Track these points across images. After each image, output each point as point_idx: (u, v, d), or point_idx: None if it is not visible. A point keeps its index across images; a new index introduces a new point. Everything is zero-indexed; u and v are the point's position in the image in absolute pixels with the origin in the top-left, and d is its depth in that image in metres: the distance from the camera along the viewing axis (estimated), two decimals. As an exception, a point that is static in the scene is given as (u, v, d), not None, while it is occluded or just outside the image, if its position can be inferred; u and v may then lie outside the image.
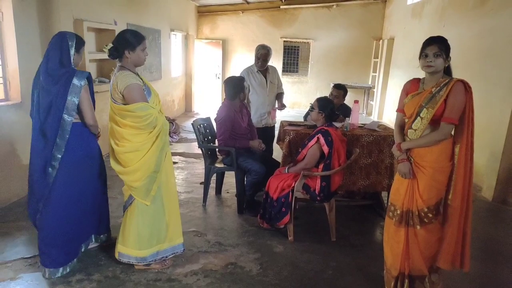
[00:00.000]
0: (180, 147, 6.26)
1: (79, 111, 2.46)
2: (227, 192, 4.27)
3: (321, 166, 3.12)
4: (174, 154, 5.78)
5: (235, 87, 3.71)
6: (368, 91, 10.17)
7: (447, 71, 2.26)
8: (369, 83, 10.29)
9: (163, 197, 2.60)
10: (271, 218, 3.24)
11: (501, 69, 4.39)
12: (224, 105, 3.75)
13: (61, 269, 2.56)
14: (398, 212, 2.33)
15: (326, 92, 10.38)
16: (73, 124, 2.44)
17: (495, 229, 3.70)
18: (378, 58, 9.79)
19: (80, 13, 4.66)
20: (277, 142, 4.21)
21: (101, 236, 2.93)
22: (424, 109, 2.21)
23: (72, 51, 2.43)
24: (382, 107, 9.55)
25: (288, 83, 10.71)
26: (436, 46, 2.16)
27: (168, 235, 2.68)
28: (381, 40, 9.78)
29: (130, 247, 2.60)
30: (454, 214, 2.25)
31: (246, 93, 3.80)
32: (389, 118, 9.10)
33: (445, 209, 2.30)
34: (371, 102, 10.10)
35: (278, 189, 3.17)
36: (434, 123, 2.21)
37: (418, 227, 2.27)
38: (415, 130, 2.26)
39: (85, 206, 2.65)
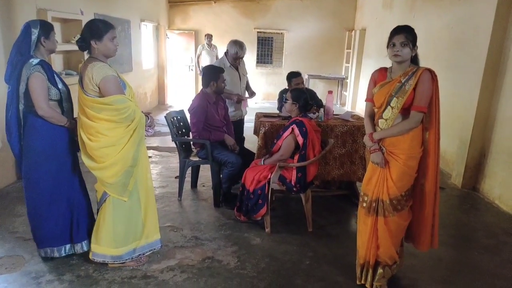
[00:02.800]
0: (154, 141, 6.13)
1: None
2: (203, 186, 4.22)
3: (296, 157, 3.12)
4: (148, 148, 5.63)
5: (208, 75, 3.68)
6: (341, 81, 10.27)
7: (414, 60, 2.29)
8: (343, 74, 10.39)
9: (140, 192, 2.52)
10: (248, 211, 3.22)
11: (470, 59, 4.51)
12: (198, 95, 3.71)
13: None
14: (367, 200, 2.38)
15: (300, 83, 10.44)
16: (28, 114, 2.38)
17: (465, 215, 3.83)
18: (350, 49, 9.89)
19: (43, 2, 4.44)
20: (254, 133, 4.18)
21: (78, 244, 2.64)
22: (394, 98, 2.24)
23: (34, 38, 2.34)
24: (356, 98, 9.68)
25: (262, 74, 10.67)
26: (403, 35, 2.19)
27: (145, 232, 2.61)
28: (353, 31, 9.87)
29: (105, 246, 2.51)
30: (428, 197, 2.33)
31: (221, 85, 3.71)
32: (362, 108, 9.16)
33: (420, 194, 2.37)
34: (344, 92, 10.22)
35: (254, 181, 3.14)
36: (404, 111, 2.24)
37: (391, 215, 2.32)
38: (386, 119, 2.29)
39: (55, 204, 2.53)
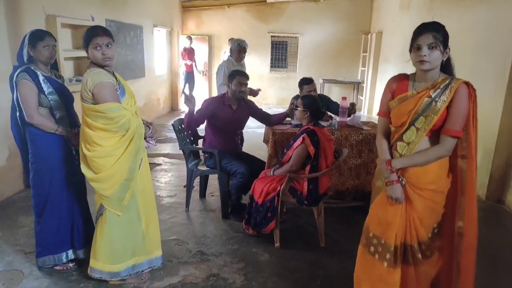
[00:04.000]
0: (164, 148, 6.04)
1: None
2: (212, 195, 4.08)
3: (307, 168, 2.95)
4: (158, 155, 5.56)
5: (227, 75, 3.66)
6: (357, 86, 10.03)
7: (446, 66, 1.83)
8: (358, 78, 10.14)
9: (139, 206, 2.39)
10: (256, 224, 3.06)
11: (493, 64, 4.25)
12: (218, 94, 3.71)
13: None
14: (392, 249, 1.87)
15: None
16: (24, 122, 2.39)
17: (490, 231, 3.55)
18: (367, 52, 9.64)
19: (53, 8, 4.39)
20: (263, 141, 4.03)
21: (80, 250, 2.63)
22: (421, 117, 1.80)
23: (25, 48, 2.35)
24: (372, 102, 9.40)
25: (276, 79, 10.52)
26: (431, 35, 1.72)
27: (145, 247, 2.47)
28: (369, 34, 9.62)
29: (101, 261, 2.38)
30: (469, 243, 1.87)
31: (235, 88, 3.47)
32: (379, 113, 8.96)
33: (456, 239, 1.90)
34: (360, 97, 9.96)
35: (263, 193, 2.98)
36: (432, 134, 1.83)
37: (422, 263, 1.89)
38: (407, 143, 1.85)
39: (56, 210, 2.51)
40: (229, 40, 8.65)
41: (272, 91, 10.52)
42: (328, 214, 3.26)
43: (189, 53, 9.17)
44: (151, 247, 2.51)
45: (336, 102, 4.00)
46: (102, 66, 2.23)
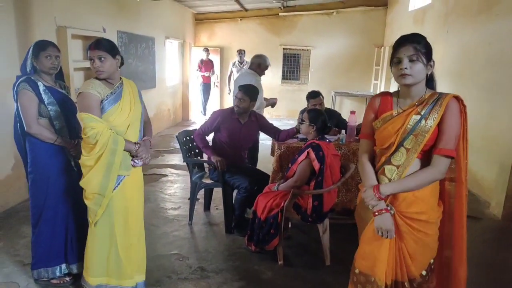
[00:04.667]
0: (172, 159, 6.00)
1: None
2: (216, 209, 4.00)
3: (312, 184, 2.85)
4: (165, 166, 5.53)
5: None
6: (369, 99, 9.88)
7: (428, 82, 1.69)
8: (371, 91, 10.03)
9: (115, 227, 2.22)
10: (259, 241, 2.97)
11: (509, 78, 4.11)
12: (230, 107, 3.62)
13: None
14: (381, 286, 1.68)
15: (327, 100, 10.07)
16: (24, 132, 2.39)
17: (506, 252, 3.38)
18: (379, 65, 9.54)
19: (64, 20, 4.45)
20: (271, 154, 3.96)
21: (73, 265, 2.55)
22: (411, 136, 1.63)
23: (29, 58, 2.36)
24: (384, 116, 9.26)
25: (287, 91, 10.47)
26: (411, 46, 1.58)
27: (121, 271, 2.29)
28: (382, 47, 9.53)
29: (84, 270, 2.33)
30: (458, 276, 1.74)
31: (236, 104, 3.44)
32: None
33: (445, 270, 1.78)
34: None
35: (267, 208, 2.90)
36: (422, 155, 1.67)
37: None
38: (397, 166, 1.67)
39: (51, 222, 2.46)
40: (237, 51, 8.57)
41: (283, 103, 10.42)
42: (334, 230, 3.15)
43: (206, 64, 9.20)
44: (131, 271, 2.32)
45: (345, 120, 3.91)
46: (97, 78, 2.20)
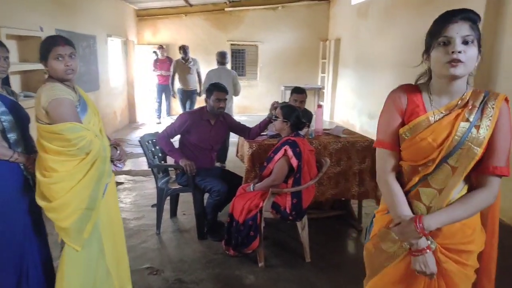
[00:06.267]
0: (126, 165, 5.64)
1: None
2: (184, 214, 3.80)
3: (290, 181, 2.79)
4: (119, 173, 5.18)
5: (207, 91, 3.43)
6: (318, 92, 10.11)
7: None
8: (319, 84, 10.24)
9: (103, 240, 2.05)
10: (237, 244, 2.85)
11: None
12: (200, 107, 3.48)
13: None
14: None
15: (277, 95, 10.18)
16: None
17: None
18: (326, 59, 9.76)
19: (-4, 18, 3.96)
20: (236, 155, 3.84)
21: None
22: (459, 150, 1.23)
23: None
24: (333, 107, 9.54)
25: (237, 87, 10.36)
26: (467, 24, 1.18)
27: (112, 285, 2.13)
28: (327, 41, 9.76)
29: None
30: None
31: (213, 104, 3.28)
32: (341, 119, 9.09)
33: None
34: (321, 103, 10.05)
35: (244, 210, 2.79)
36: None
37: None
38: (439, 190, 1.27)
39: (5, 251, 2.04)
40: (180, 48, 7.61)
41: (233, 100, 10.34)
42: (309, 226, 3.11)
43: (162, 63, 8.54)
44: (121, 283, 2.18)
45: (311, 113, 3.92)
46: (61, 81, 1.94)
